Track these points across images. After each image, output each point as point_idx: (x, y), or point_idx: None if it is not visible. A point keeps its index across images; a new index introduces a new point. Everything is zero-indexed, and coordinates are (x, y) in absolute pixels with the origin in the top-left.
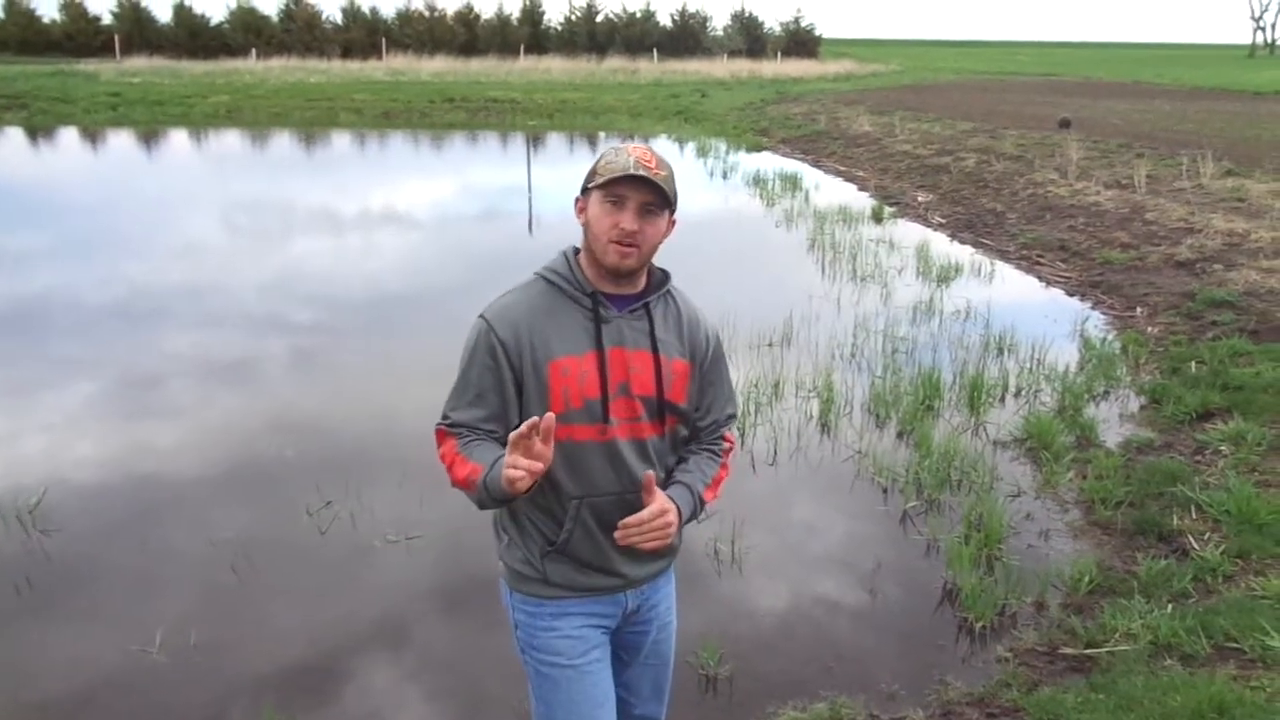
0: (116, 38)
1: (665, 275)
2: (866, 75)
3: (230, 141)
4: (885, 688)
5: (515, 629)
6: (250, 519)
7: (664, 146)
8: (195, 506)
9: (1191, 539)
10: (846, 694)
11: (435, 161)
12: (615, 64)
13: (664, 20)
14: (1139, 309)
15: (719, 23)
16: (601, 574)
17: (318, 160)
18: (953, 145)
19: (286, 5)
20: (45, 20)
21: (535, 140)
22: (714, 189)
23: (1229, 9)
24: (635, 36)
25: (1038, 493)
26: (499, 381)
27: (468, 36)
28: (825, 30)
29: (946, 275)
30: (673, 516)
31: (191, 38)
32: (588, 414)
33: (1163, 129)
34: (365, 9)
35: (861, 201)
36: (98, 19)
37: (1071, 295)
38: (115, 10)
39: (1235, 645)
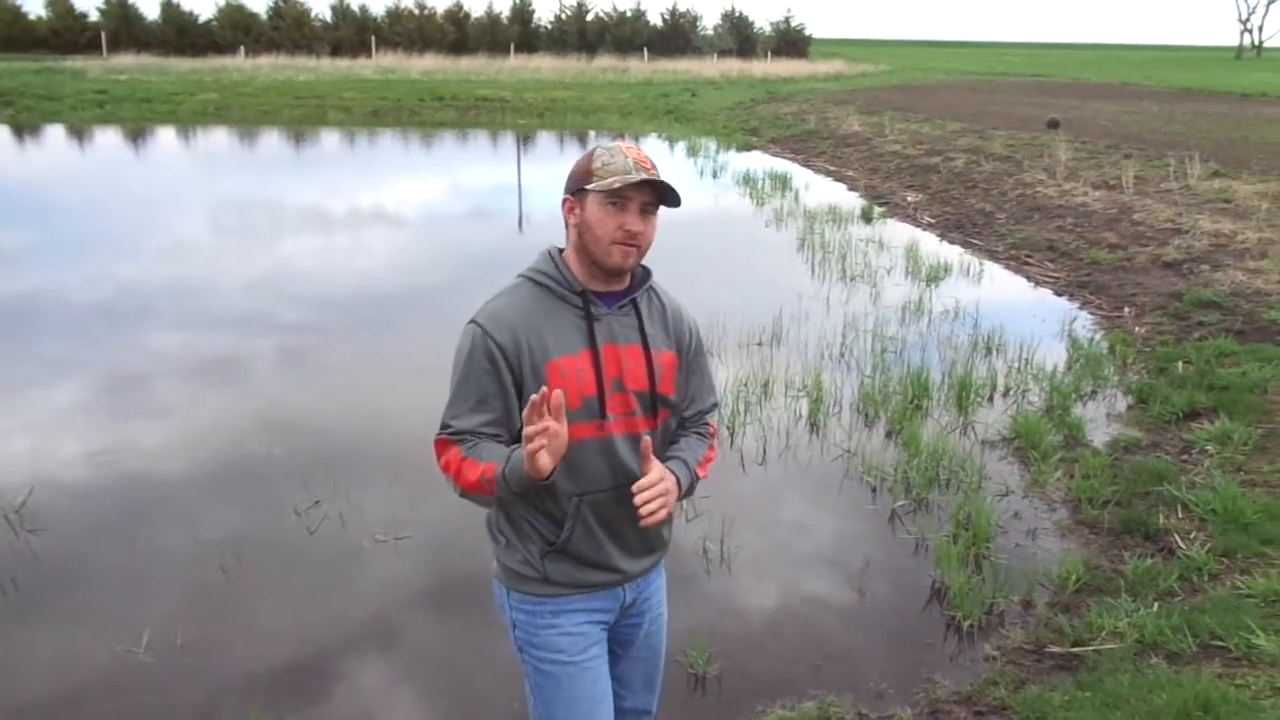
0: (103, 34)
1: (647, 271)
2: (856, 75)
3: (218, 139)
4: (874, 686)
5: (513, 628)
6: (238, 518)
7: (654, 146)
8: (183, 506)
9: (1178, 538)
10: (835, 693)
11: (425, 160)
12: (605, 63)
13: (654, 19)
14: (1126, 309)
15: (709, 22)
16: (601, 570)
17: (307, 159)
18: (942, 145)
19: (275, 3)
20: (31, 17)
21: (525, 139)
22: (704, 188)
23: (1216, 11)
24: (625, 35)
25: (1025, 492)
26: (500, 386)
27: (457, 35)
28: (815, 30)
29: (935, 275)
30: (671, 483)
31: (179, 35)
32: (586, 412)
33: (1150, 130)
34: (355, 7)
35: (851, 201)
36: (84, 15)
37: (1060, 295)
38: (102, 7)
39: (1221, 644)
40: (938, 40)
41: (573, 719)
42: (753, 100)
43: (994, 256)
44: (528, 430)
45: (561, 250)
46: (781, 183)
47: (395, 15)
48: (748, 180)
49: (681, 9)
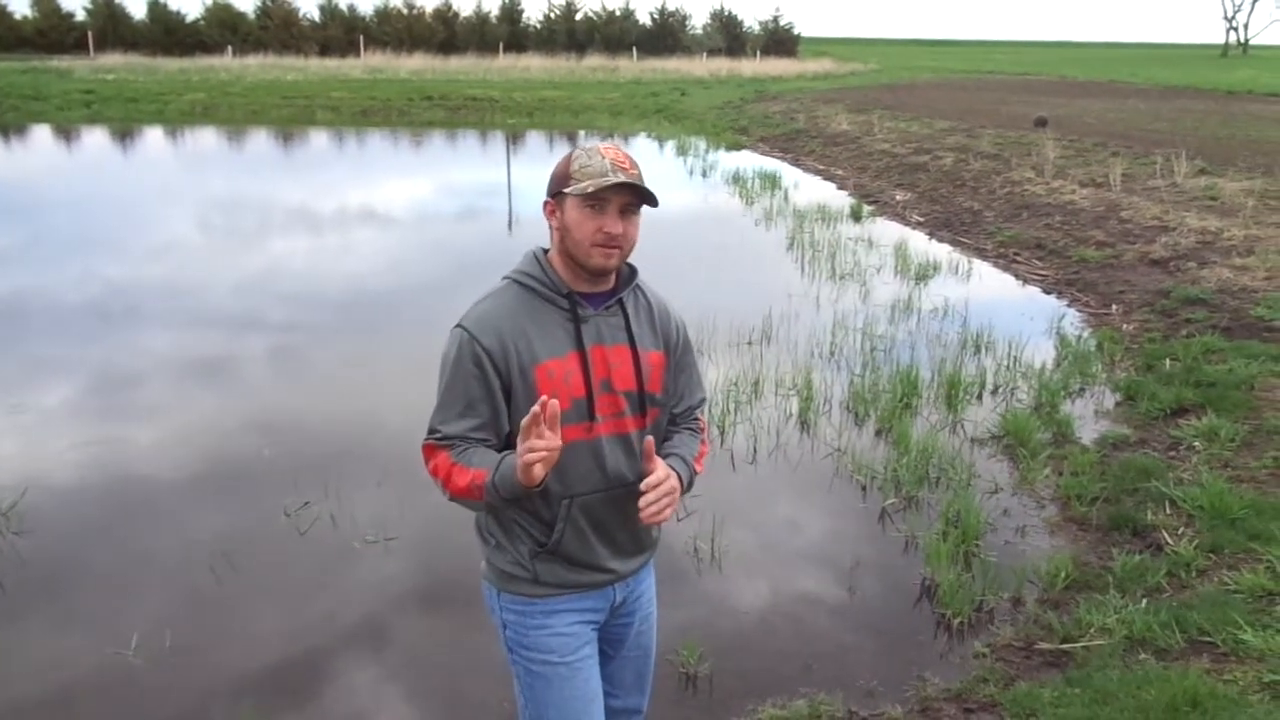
0: (90, 34)
1: (633, 270)
2: (845, 74)
3: (206, 139)
4: (864, 684)
5: (504, 629)
6: (229, 520)
7: (643, 145)
8: (173, 507)
9: (1166, 534)
10: (826, 691)
11: (414, 160)
12: (594, 62)
13: (643, 19)
14: (1114, 306)
15: (698, 21)
16: (591, 571)
17: (296, 159)
18: (930, 144)
19: (263, 2)
20: (17, 16)
21: (514, 139)
22: (693, 187)
23: (1202, 9)
24: (614, 35)
25: (1015, 489)
26: (487, 390)
27: (446, 34)
28: (804, 29)
29: (925, 273)
30: (675, 482)
31: (166, 34)
32: (575, 414)
33: (1137, 128)
34: (343, 6)
35: (840, 200)
36: (71, 15)
37: (1048, 293)
38: (89, 6)
39: (1208, 639)
40: (925, 39)
41: (565, 719)
42: (742, 99)
43: (982, 255)
44: (531, 443)
45: (546, 251)
46: (771, 182)
47: (384, 15)
48: (737, 179)
49: (670, 8)
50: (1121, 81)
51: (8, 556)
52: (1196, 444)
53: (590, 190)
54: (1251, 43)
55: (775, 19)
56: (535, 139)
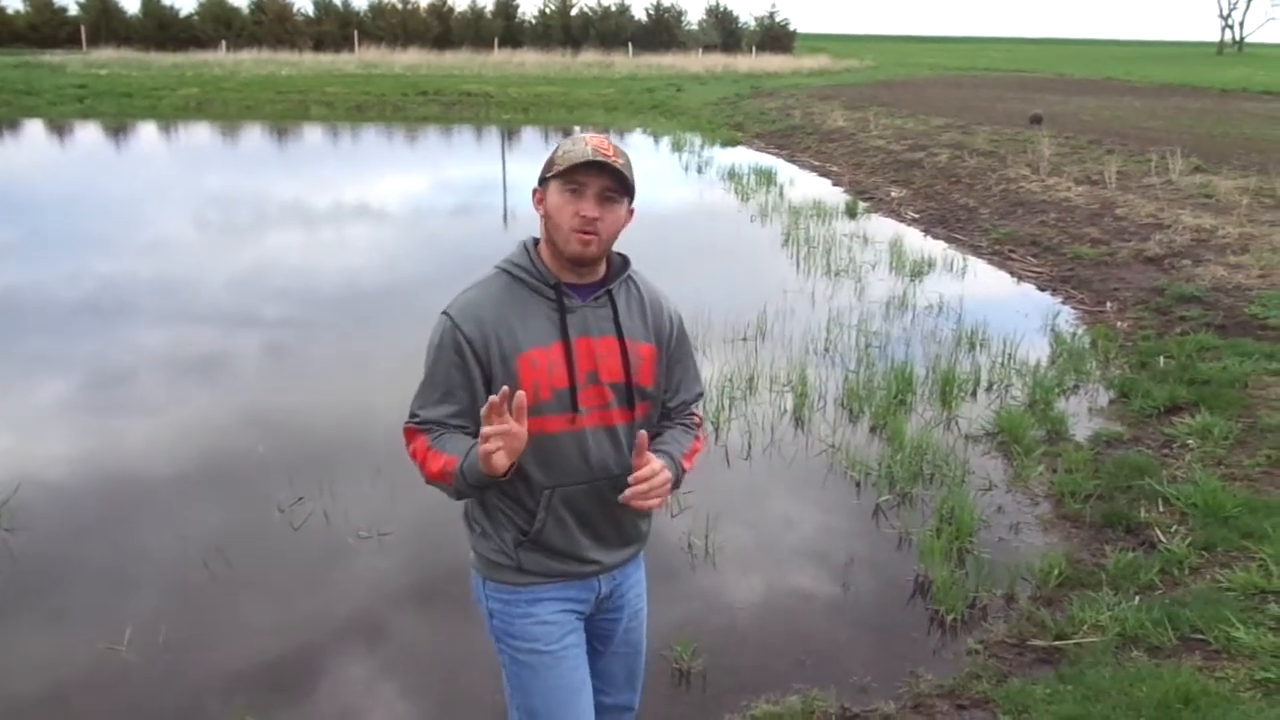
0: (83, 29)
1: (625, 260)
2: (841, 70)
3: (200, 134)
4: (857, 680)
5: (490, 618)
6: (222, 515)
7: (639, 141)
8: (166, 503)
9: (1159, 531)
10: (819, 687)
11: (409, 155)
12: (590, 58)
13: (639, 14)
14: (1109, 304)
15: (694, 17)
16: (574, 561)
17: (290, 154)
18: (926, 141)
19: None
20: (9, 11)
21: (510, 134)
22: (689, 183)
23: (1197, 6)
24: (610, 30)
25: (1009, 486)
26: (467, 378)
27: (441, 29)
28: (800, 25)
29: (920, 270)
30: (666, 478)
31: (160, 29)
32: (557, 405)
33: (1132, 125)
34: (337, 1)
35: (836, 196)
36: (64, 10)
37: (1043, 290)
38: (82, 1)
39: (1201, 637)
40: (921, 35)
41: (550, 708)
42: (737, 95)
43: (977, 252)
44: (484, 429)
45: (537, 242)
46: (766, 178)
47: (378, 9)
48: (733, 175)
49: (666, 4)
50: (1116, 79)
51: (1, 553)
52: (1190, 442)
53: (563, 169)
54: (1247, 40)
55: (771, 15)
56: (530, 135)
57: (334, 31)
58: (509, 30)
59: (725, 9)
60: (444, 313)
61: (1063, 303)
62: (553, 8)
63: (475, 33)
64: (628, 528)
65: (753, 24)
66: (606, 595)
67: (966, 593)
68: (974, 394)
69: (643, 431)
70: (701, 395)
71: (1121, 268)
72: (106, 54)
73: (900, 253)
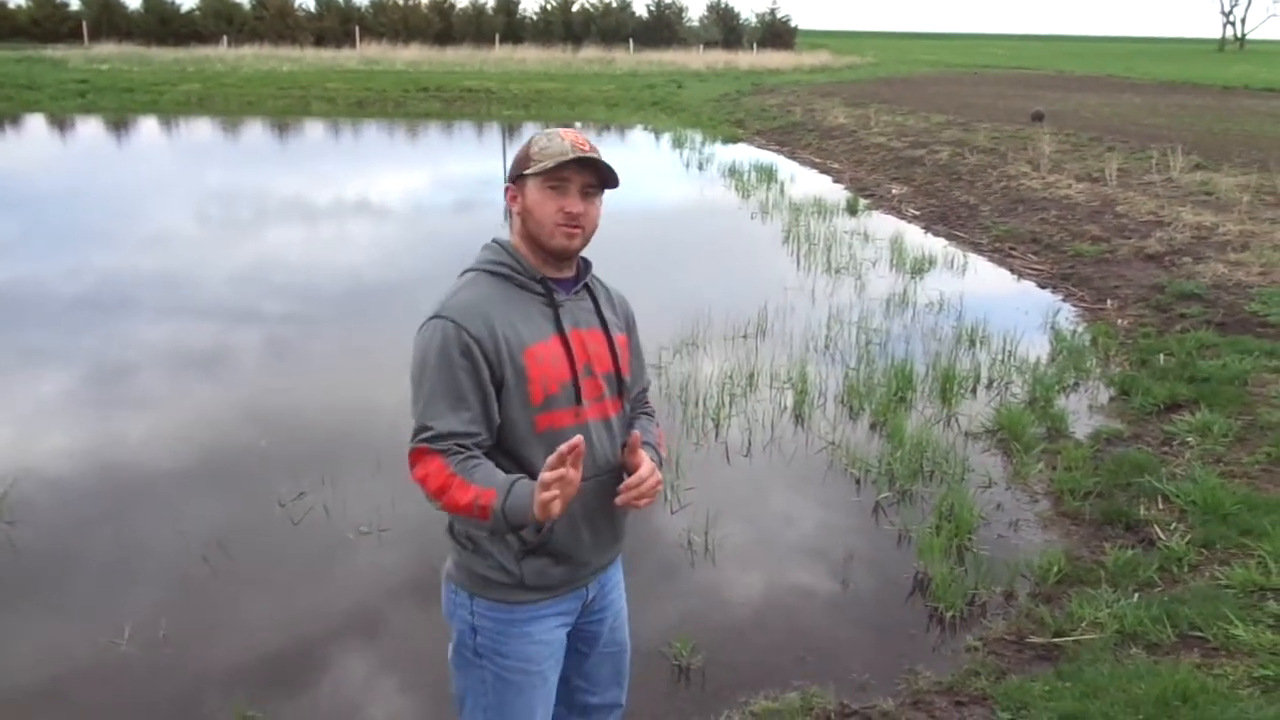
0: (84, 24)
1: (587, 261)
2: (842, 67)
3: (201, 130)
4: (856, 677)
5: (473, 635)
6: (222, 510)
7: (640, 137)
8: (167, 497)
9: (1158, 529)
10: (818, 683)
11: (410, 151)
12: (591, 54)
13: (640, 11)
14: (1109, 301)
15: (695, 13)
16: (575, 566)
17: (291, 150)
18: (927, 138)
19: None
20: (11, 5)
21: (511, 130)
22: (690, 180)
23: (1199, 3)
24: (611, 27)
25: (1008, 483)
26: (477, 381)
27: (442, 25)
28: (801, 22)
29: (920, 267)
30: (660, 474)
31: (161, 24)
32: (564, 398)
33: (1133, 122)
34: None
35: (836, 193)
36: (65, 4)
37: (1043, 287)
38: None
39: (1199, 634)
40: (922, 32)
41: None
42: (738, 92)
43: (978, 249)
44: (545, 476)
45: (505, 238)
46: (767, 175)
47: (379, 5)
48: (733, 172)
49: (667, 0)
50: (1118, 76)
51: (0, 545)
52: (1190, 439)
53: (550, 167)
54: (1248, 37)
55: (772, 11)
56: (532, 131)
57: (335, 27)
58: (510, 26)
59: (726, 6)
60: (438, 316)
61: (1063, 300)
62: (554, 4)
63: (477, 29)
64: (619, 525)
65: (754, 20)
66: (592, 599)
67: (966, 590)
68: (974, 391)
69: (635, 431)
70: (650, 381)
71: (1122, 265)
72: (108, 49)
73: (901, 250)
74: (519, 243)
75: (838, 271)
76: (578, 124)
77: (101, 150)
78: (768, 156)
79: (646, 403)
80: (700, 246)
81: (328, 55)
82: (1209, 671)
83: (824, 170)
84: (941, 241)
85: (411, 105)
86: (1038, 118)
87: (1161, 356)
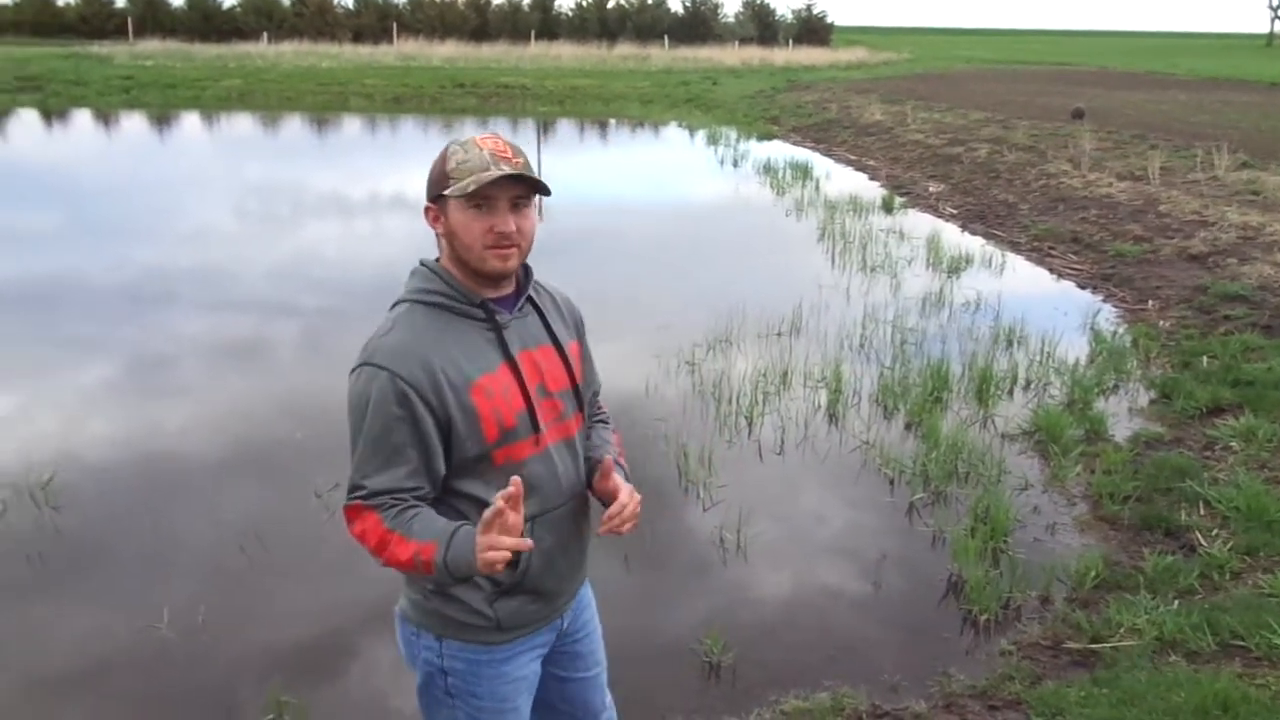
0: (130, 20)
1: (528, 268)
2: (878, 64)
3: (242, 125)
4: (888, 678)
5: (443, 677)
6: (260, 500)
7: (674, 134)
8: (205, 486)
9: (1199, 535)
10: (849, 684)
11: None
12: (626, 50)
13: (675, 7)
14: (1151, 302)
15: (730, 10)
16: (551, 598)
17: (329, 145)
18: (965, 135)
19: None
20: (60, 3)
21: (545, 127)
22: (724, 177)
23: None
24: (646, 23)
25: (1045, 486)
26: (417, 433)
27: (479, 22)
28: (837, 18)
29: (957, 266)
30: (638, 497)
31: (204, 21)
32: (521, 429)
33: (1178, 120)
34: None
35: (872, 191)
36: (111, 2)
37: (1083, 288)
38: None
39: (1241, 643)
40: (961, 28)
41: None
42: (773, 89)
43: (1016, 248)
44: (484, 538)
45: (437, 260)
46: (802, 172)
47: (417, 2)
48: (768, 169)
49: None
50: (1162, 72)
51: (45, 531)
52: (1233, 444)
53: (471, 189)
54: None
55: (808, 7)
56: (566, 127)
57: (373, 24)
58: (546, 23)
59: (762, 2)
60: (367, 364)
61: (1103, 301)
62: (590, 1)
63: (512, 25)
64: (587, 548)
65: (790, 17)
66: (568, 626)
67: (1000, 593)
68: (1011, 392)
69: (608, 458)
70: (600, 385)
71: (1164, 265)
72: (152, 45)
73: (937, 248)
74: (450, 265)
75: (873, 270)
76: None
77: (145, 145)
78: (803, 153)
79: (600, 408)
80: (734, 244)
81: (365, 51)
82: (1251, 681)
83: (860, 167)
84: (979, 240)
85: (447, 101)
86: (1078, 115)
87: (1205, 359)
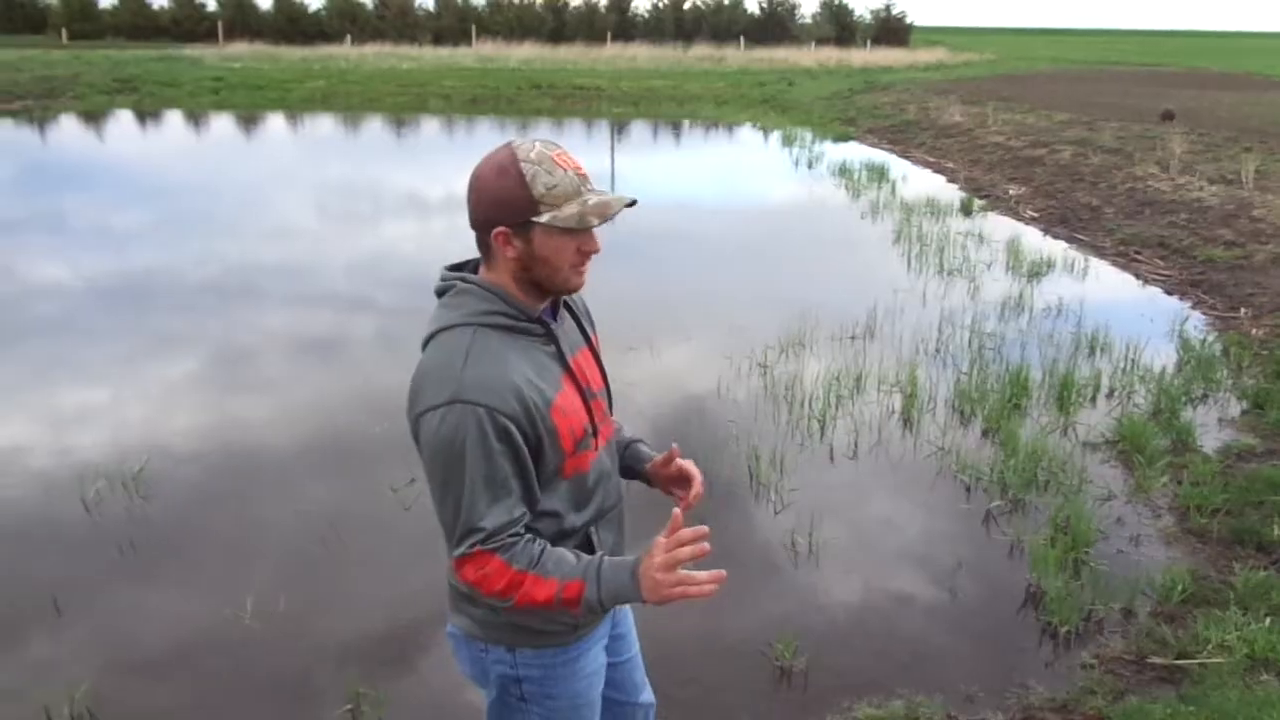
0: (220, 24)
1: None
2: (959, 64)
3: (325, 126)
4: (964, 689)
5: (517, 684)
6: (337, 493)
7: (748, 135)
8: (286, 479)
9: None
10: (924, 693)
11: None
12: (701, 52)
13: (751, 7)
14: (1243, 310)
15: (807, 10)
16: None
17: (408, 145)
18: (1048, 137)
19: None
20: (154, 6)
21: (619, 128)
22: (799, 178)
23: None
24: (722, 24)
25: (1129, 497)
26: (518, 464)
27: (556, 23)
28: (917, 18)
29: (1038, 271)
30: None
31: (290, 24)
32: (586, 439)
33: (1274, 123)
34: None
35: (950, 193)
36: (203, 5)
37: (1170, 294)
38: None
39: None
40: (1046, 28)
41: None
42: (850, 90)
43: (1100, 253)
44: (672, 575)
45: (476, 273)
46: (878, 173)
47: (495, 4)
48: (843, 171)
49: None
50: (1259, 74)
51: (136, 519)
52: None
53: (595, 224)
54: None
55: (887, 7)
56: (640, 128)
57: (453, 26)
58: (622, 24)
59: (840, 2)
60: (458, 401)
61: (1192, 307)
62: (666, 2)
63: (589, 27)
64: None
65: (868, 17)
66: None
67: (1081, 605)
68: (1093, 400)
69: (675, 445)
70: None
71: (1258, 272)
72: (240, 48)
73: (1018, 252)
74: (509, 283)
75: (950, 273)
76: (694, 122)
77: (233, 144)
78: (879, 155)
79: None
80: (808, 245)
81: (445, 53)
82: None
83: (938, 170)
84: (1061, 244)
85: (524, 102)
86: (1168, 116)
87: None
